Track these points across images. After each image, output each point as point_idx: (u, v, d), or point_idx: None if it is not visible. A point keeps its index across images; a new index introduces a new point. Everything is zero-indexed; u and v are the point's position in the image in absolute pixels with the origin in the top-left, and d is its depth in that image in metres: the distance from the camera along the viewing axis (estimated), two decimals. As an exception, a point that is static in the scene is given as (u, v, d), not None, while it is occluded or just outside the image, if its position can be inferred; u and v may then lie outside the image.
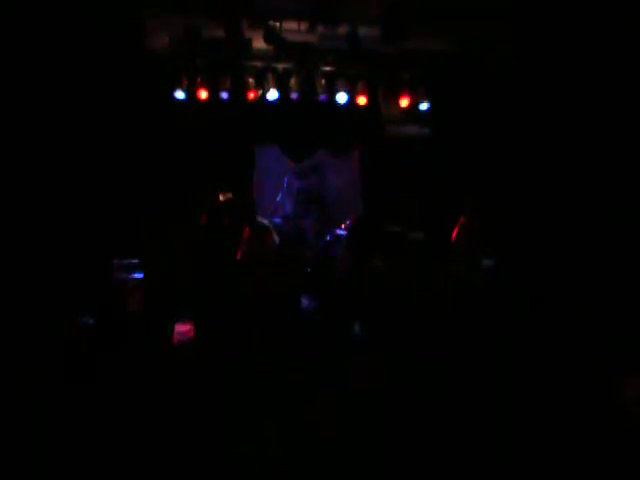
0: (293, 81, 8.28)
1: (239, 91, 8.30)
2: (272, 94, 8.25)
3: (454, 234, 7.44)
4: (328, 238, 8.53)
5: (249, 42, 7.73)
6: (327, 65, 8.34)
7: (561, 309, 6.22)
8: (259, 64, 8.28)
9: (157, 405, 4.32)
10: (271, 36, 7.35)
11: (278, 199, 8.89)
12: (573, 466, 3.47)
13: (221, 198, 7.49)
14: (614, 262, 6.87)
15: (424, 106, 8.64)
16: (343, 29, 7.35)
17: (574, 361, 5.28)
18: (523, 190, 8.19)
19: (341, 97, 8.33)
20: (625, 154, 7.32)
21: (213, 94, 8.24)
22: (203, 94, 8.21)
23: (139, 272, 7.50)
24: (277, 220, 8.69)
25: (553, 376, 4.99)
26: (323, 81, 8.33)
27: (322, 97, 8.38)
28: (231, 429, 3.94)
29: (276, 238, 6.95)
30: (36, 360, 5.25)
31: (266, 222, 7.18)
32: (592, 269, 6.88)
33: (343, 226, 8.47)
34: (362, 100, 8.44)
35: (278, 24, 7.36)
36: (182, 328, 6.91)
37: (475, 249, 7.22)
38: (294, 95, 8.37)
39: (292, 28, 7.49)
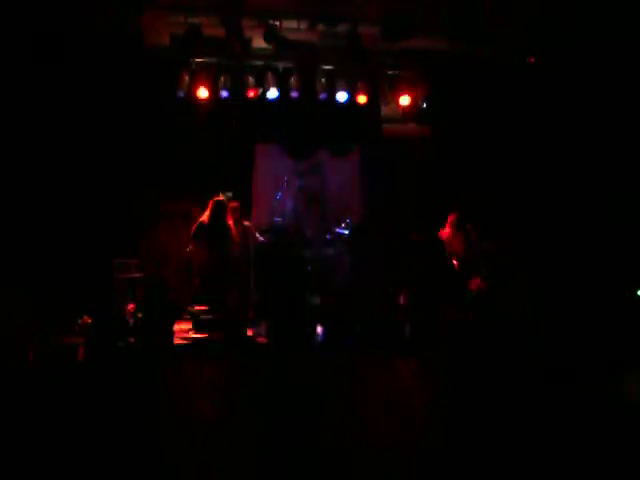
0: (293, 80, 8.28)
1: (239, 90, 8.30)
2: (272, 93, 8.25)
3: (447, 232, 7.48)
4: (328, 237, 8.54)
5: (249, 41, 7.73)
6: (327, 64, 8.34)
7: (561, 302, 6.23)
8: (259, 63, 8.27)
9: (157, 405, 4.33)
10: (271, 35, 7.35)
11: (278, 198, 8.87)
12: (576, 458, 3.47)
13: (221, 197, 7.50)
14: (615, 254, 6.89)
15: (424, 105, 8.64)
16: (343, 27, 7.36)
17: (576, 355, 5.29)
18: (523, 187, 8.21)
19: (341, 96, 8.34)
20: (623, 148, 7.35)
21: (213, 93, 8.25)
22: (203, 93, 8.22)
23: (138, 272, 7.50)
24: (277, 219, 8.68)
25: (555, 370, 5.00)
26: (323, 80, 8.32)
27: (322, 96, 8.38)
28: (230, 428, 3.94)
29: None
30: (36, 360, 5.26)
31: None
32: (593, 261, 6.90)
33: (343, 225, 8.47)
34: (362, 99, 8.44)
35: (278, 22, 7.36)
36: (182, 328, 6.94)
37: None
38: (294, 94, 8.35)
39: (292, 27, 7.49)
